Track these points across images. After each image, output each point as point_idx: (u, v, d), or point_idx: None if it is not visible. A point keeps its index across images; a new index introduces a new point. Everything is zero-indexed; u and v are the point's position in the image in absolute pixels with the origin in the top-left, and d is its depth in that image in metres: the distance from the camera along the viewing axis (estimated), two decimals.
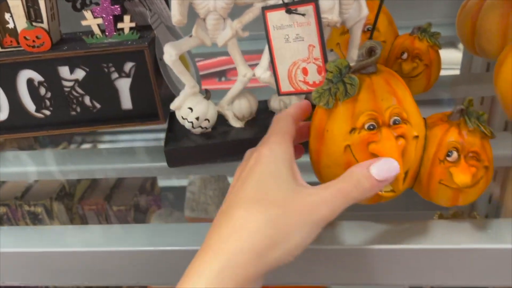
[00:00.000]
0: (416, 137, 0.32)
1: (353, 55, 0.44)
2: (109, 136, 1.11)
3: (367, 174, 0.29)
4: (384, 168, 0.29)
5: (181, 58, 0.53)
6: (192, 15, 0.41)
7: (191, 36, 0.42)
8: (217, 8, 0.40)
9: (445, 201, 0.33)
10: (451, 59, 0.84)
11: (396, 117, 0.31)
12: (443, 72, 0.51)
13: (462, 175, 0.30)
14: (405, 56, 0.49)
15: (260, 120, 0.46)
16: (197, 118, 0.43)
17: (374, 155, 0.31)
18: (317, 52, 0.40)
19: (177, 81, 0.50)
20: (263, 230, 0.27)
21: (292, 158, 0.31)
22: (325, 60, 0.40)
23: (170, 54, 0.40)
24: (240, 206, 0.29)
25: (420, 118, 0.33)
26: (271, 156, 0.31)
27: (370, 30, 0.49)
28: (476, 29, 0.54)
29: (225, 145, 0.44)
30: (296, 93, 0.43)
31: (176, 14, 0.39)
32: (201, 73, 0.56)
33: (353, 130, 0.31)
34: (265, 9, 0.40)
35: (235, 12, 0.42)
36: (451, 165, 0.31)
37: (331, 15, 0.39)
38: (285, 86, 0.43)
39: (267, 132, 0.34)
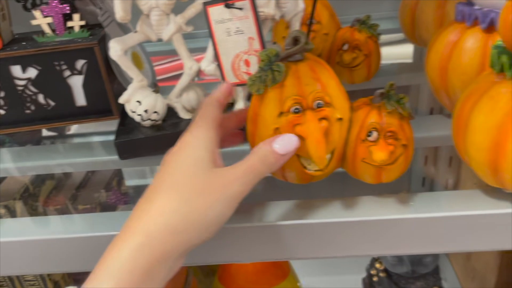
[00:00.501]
0: (340, 119, 0.34)
1: None
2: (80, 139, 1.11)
3: (271, 149, 0.32)
4: (285, 143, 0.32)
5: (135, 55, 0.55)
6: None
7: (136, 31, 0.43)
8: (160, 5, 0.42)
9: (369, 178, 0.36)
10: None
11: (319, 101, 0.33)
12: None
13: (380, 153, 0.33)
14: (346, 47, 0.52)
15: None
16: (146, 111, 0.45)
17: (301, 137, 0.33)
18: (256, 44, 0.43)
19: (130, 77, 0.51)
20: (179, 210, 0.30)
21: (213, 142, 0.33)
22: None
23: (115, 49, 0.42)
24: (161, 191, 0.31)
25: (345, 102, 0.35)
26: (193, 142, 0.33)
27: (312, 23, 0.52)
28: (415, 20, 0.57)
29: (175, 136, 0.45)
30: (241, 84, 0.45)
31: (119, 11, 0.41)
32: (176, 72, 0.58)
33: (281, 113, 0.34)
34: (206, 4, 0.42)
35: (181, 7, 0.44)
36: (372, 144, 0.34)
37: (267, 9, 0.42)
38: (230, 78, 0.45)
39: None
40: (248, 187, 0.31)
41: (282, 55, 0.34)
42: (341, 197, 0.37)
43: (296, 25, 0.45)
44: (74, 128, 0.96)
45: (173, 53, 0.65)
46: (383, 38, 0.66)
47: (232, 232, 0.36)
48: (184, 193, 0.30)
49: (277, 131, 0.34)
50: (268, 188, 0.49)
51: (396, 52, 0.70)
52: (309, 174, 0.35)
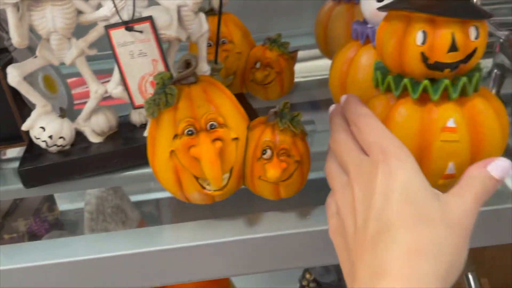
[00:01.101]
0: (236, 139, 0.35)
1: (201, 67, 0.47)
2: None
3: (489, 175, 0.28)
4: (501, 167, 0.28)
5: (47, 78, 0.54)
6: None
7: (35, 57, 0.42)
8: (58, 29, 0.41)
9: (269, 194, 0.37)
10: None
11: (212, 122, 0.34)
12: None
13: (272, 170, 0.34)
14: (258, 65, 0.53)
15: (122, 134, 0.48)
16: (51, 137, 0.44)
17: (196, 158, 0.33)
18: (160, 66, 0.43)
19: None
20: (440, 253, 0.25)
21: (417, 162, 0.28)
22: None
23: (12, 75, 0.41)
24: (399, 226, 0.26)
25: (240, 122, 0.36)
26: (405, 167, 0.27)
27: (225, 43, 0.53)
28: (327, 35, 0.60)
29: (84, 160, 0.45)
30: None
31: (15, 37, 0.40)
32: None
33: (175, 136, 0.34)
34: (107, 27, 0.42)
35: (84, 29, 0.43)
36: (266, 162, 0.35)
37: (169, 31, 0.42)
38: (138, 100, 0.45)
39: (360, 139, 0.30)
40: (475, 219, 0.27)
41: (175, 78, 0.34)
42: (245, 214, 0.38)
43: (203, 46, 0.46)
44: None
45: (101, 72, 0.64)
46: (303, 54, 0.69)
47: (147, 256, 0.36)
48: (433, 231, 0.26)
49: (173, 154, 0.34)
50: (179, 209, 0.49)
51: (316, 67, 0.72)
52: (209, 194, 0.35)
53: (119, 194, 0.88)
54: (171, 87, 0.34)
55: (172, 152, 0.34)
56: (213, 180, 0.33)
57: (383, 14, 0.33)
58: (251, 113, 0.50)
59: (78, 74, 0.55)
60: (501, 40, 0.53)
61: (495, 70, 0.55)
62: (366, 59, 0.42)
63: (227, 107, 0.35)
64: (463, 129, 0.31)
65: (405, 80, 0.32)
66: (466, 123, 0.32)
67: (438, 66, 0.31)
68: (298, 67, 0.67)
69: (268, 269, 0.36)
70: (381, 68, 0.34)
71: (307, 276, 0.65)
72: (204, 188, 0.35)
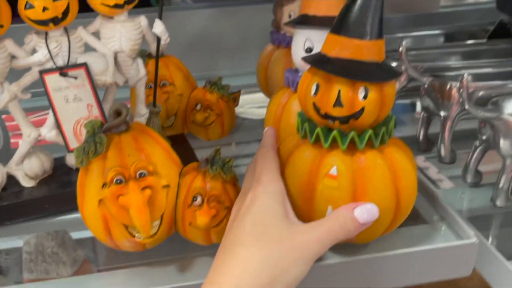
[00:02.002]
0: (167, 186, 0.35)
1: (140, 110, 0.47)
2: None
3: (352, 216, 0.31)
4: (366, 212, 0.32)
5: None
6: None
7: None
8: None
9: (201, 240, 0.37)
10: None
11: (141, 171, 0.34)
12: None
13: (202, 217, 0.35)
14: (198, 107, 0.54)
15: (57, 177, 0.47)
16: None
17: (124, 207, 0.34)
18: (95, 111, 0.43)
19: None
20: (264, 269, 0.29)
21: (283, 194, 0.33)
22: (104, 117, 0.43)
23: None
24: (242, 244, 0.30)
25: (172, 169, 0.36)
26: (266, 194, 0.32)
27: (166, 85, 0.54)
28: (267, 77, 0.62)
29: (15, 206, 0.44)
30: None
31: None
32: None
33: (104, 185, 0.34)
34: (42, 72, 0.42)
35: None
36: (197, 209, 0.35)
37: (104, 77, 0.42)
38: (73, 143, 0.45)
39: (254, 168, 0.35)
40: (324, 250, 0.31)
41: (104, 127, 0.35)
42: (177, 260, 0.38)
43: (141, 90, 0.47)
44: None
45: (40, 108, 0.63)
46: (248, 91, 0.71)
47: None
48: (266, 250, 0.30)
49: (102, 203, 0.34)
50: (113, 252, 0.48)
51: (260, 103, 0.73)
52: (141, 243, 0.35)
53: (59, 235, 0.84)
54: (100, 136, 0.34)
55: (101, 200, 0.34)
56: (142, 228, 0.34)
57: None
58: (190, 155, 0.51)
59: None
60: (426, 86, 0.57)
61: (423, 113, 0.59)
62: (297, 105, 0.44)
63: (158, 155, 0.36)
64: (344, 178, 0.33)
65: (305, 124, 0.35)
66: (350, 173, 0.33)
67: (328, 117, 0.33)
68: (242, 104, 0.69)
69: None
70: (302, 115, 0.36)
71: None
72: (133, 236, 0.35)
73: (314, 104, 0.34)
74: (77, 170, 0.48)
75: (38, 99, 0.49)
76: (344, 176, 0.33)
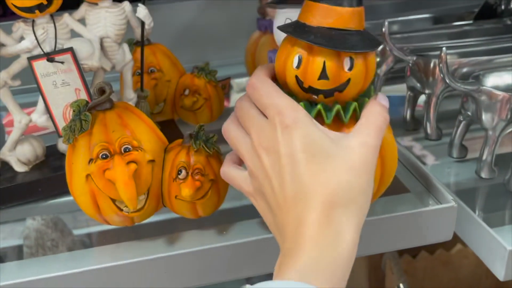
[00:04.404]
0: (152, 161, 0.36)
1: (128, 95, 0.49)
2: None
3: (380, 103, 0.32)
4: (383, 97, 0.33)
5: None
6: None
7: None
8: None
9: (187, 213, 0.38)
10: None
11: (126, 145, 0.35)
12: None
13: (186, 189, 0.36)
14: (187, 92, 0.55)
15: (49, 162, 0.48)
16: None
17: (111, 181, 0.35)
18: (83, 95, 0.44)
19: None
20: (350, 199, 0.29)
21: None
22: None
23: None
24: (310, 184, 0.29)
25: (157, 145, 0.37)
26: (301, 122, 0.30)
27: (154, 72, 0.55)
28: (255, 62, 0.63)
29: (10, 190, 0.45)
30: None
31: None
32: None
33: (90, 160, 0.35)
34: (30, 59, 0.43)
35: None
36: (181, 182, 0.36)
37: (90, 61, 0.44)
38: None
39: (258, 101, 0.32)
40: (377, 149, 0.31)
41: (89, 104, 0.36)
42: (166, 234, 0.39)
43: (127, 75, 0.48)
44: None
45: (27, 105, 0.64)
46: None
47: (71, 277, 0.36)
48: (339, 178, 0.29)
49: (89, 178, 0.35)
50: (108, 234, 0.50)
51: None
52: (127, 216, 0.36)
53: (59, 225, 0.86)
54: (85, 113, 0.35)
55: (88, 176, 0.35)
56: (128, 201, 0.35)
57: None
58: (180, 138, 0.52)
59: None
60: (410, 65, 0.58)
61: (408, 92, 0.60)
62: None
63: (143, 131, 0.37)
64: None
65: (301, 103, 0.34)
66: None
67: (312, 91, 0.32)
68: (233, 91, 0.70)
69: (190, 284, 0.37)
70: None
71: None
72: (121, 210, 0.36)
73: (297, 77, 0.32)
74: None
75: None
76: None
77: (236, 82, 0.70)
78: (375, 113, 0.32)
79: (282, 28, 0.33)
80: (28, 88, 0.50)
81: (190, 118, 0.57)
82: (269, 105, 0.31)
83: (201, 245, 0.36)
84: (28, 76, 0.44)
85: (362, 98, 0.34)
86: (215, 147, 0.38)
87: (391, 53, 0.60)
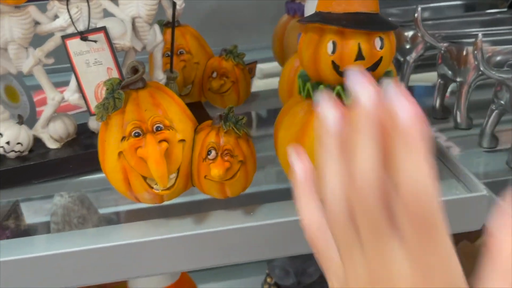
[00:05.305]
0: (182, 140, 0.37)
1: (157, 75, 0.49)
2: None
3: None
4: None
5: (9, 89, 0.55)
6: None
7: None
8: (15, 39, 0.43)
9: (216, 193, 0.38)
10: None
11: (158, 124, 0.36)
12: None
13: (215, 169, 0.36)
14: (214, 75, 0.55)
15: (80, 140, 0.50)
16: (8, 143, 0.45)
17: (142, 159, 0.35)
18: (115, 74, 0.45)
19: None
20: None
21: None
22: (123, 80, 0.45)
23: None
24: None
25: (188, 125, 0.38)
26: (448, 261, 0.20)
27: (182, 53, 0.55)
28: (283, 47, 0.63)
29: (42, 165, 0.46)
30: None
31: None
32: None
33: (123, 138, 0.36)
34: (64, 37, 0.44)
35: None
36: (211, 162, 0.37)
37: (122, 41, 0.44)
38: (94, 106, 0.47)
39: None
40: None
41: (123, 83, 0.36)
42: (194, 214, 0.40)
43: (158, 55, 0.48)
44: None
45: (59, 85, 0.65)
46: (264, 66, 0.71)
47: (101, 252, 0.37)
48: None
49: (121, 155, 0.36)
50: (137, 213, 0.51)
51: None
52: (157, 194, 0.37)
53: (85, 202, 0.88)
54: (119, 91, 0.36)
55: (120, 153, 0.36)
56: (159, 179, 0.35)
57: None
58: (207, 120, 0.52)
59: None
60: (442, 52, 0.56)
61: (439, 80, 0.59)
62: None
63: (174, 111, 0.37)
64: None
65: (321, 87, 0.35)
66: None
67: None
68: (258, 76, 0.69)
69: (217, 263, 0.38)
70: (303, 76, 0.37)
71: (268, 280, 0.67)
72: (152, 187, 0.37)
73: (333, 63, 0.34)
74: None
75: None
76: None
77: (259, 67, 0.70)
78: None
79: (308, 19, 0.35)
80: (58, 68, 0.51)
81: (217, 101, 0.57)
82: (408, 197, 0.18)
83: (229, 224, 0.37)
84: (59, 55, 0.45)
85: (386, 78, 0.36)
86: (244, 129, 0.38)
87: (422, 39, 0.59)
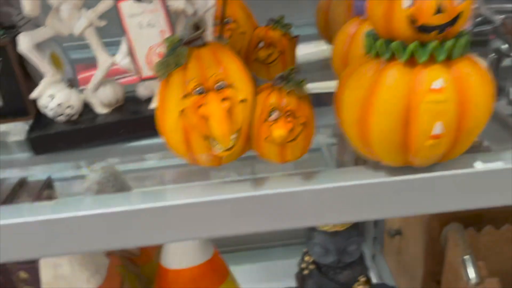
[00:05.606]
0: (243, 100, 0.36)
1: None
2: None
3: None
4: None
5: (54, 56, 0.55)
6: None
7: (45, 26, 0.43)
8: None
9: (275, 157, 0.37)
10: None
11: (220, 83, 0.35)
12: None
13: (278, 130, 0.35)
14: (261, 44, 0.54)
15: (128, 107, 0.49)
16: (59, 105, 0.45)
17: (204, 117, 0.34)
18: None
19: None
20: None
21: None
22: None
23: (24, 42, 0.42)
24: None
25: (248, 85, 0.37)
26: None
27: (229, 22, 0.54)
28: (328, 21, 0.61)
29: (91, 129, 0.46)
30: (156, 77, 0.46)
31: (26, 5, 0.41)
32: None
33: (185, 96, 0.35)
34: None
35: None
36: (273, 123, 0.36)
37: (176, 2, 0.43)
38: (145, 71, 0.46)
39: None
40: None
41: (184, 40, 0.35)
42: (251, 177, 0.39)
43: (208, 20, 0.47)
44: None
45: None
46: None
47: (155, 212, 0.36)
48: None
49: (182, 114, 0.35)
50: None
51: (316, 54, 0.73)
52: (216, 155, 0.36)
53: (119, 178, 0.88)
54: (182, 47, 0.35)
55: (181, 111, 0.35)
56: (221, 138, 0.34)
57: None
58: None
59: (84, 60, 0.56)
60: (497, 25, 0.54)
61: (492, 54, 0.57)
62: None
63: (235, 70, 0.36)
64: (450, 89, 0.32)
65: (393, 44, 0.33)
66: (452, 84, 0.33)
67: (426, 29, 0.32)
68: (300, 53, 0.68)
69: (272, 227, 0.37)
70: (371, 35, 0.36)
71: (306, 258, 0.66)
72: (212, 148, 0.36)
73: (410, 17, 0.32)
74: (147, 101, 0.50)
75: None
76: (449, 87, 0.32)
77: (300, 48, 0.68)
78: None
79: None
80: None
81: (262, 72, 0.56)
82: None
83: (288, 187, 0.36)
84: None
85: (461, 36, 0.34)
86: (306, 91, 0.37)
87: (475, 12, 0.57)
